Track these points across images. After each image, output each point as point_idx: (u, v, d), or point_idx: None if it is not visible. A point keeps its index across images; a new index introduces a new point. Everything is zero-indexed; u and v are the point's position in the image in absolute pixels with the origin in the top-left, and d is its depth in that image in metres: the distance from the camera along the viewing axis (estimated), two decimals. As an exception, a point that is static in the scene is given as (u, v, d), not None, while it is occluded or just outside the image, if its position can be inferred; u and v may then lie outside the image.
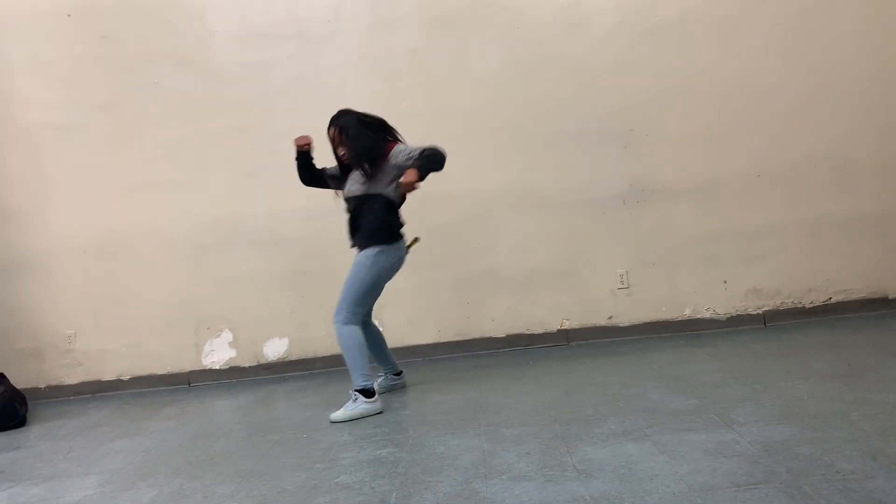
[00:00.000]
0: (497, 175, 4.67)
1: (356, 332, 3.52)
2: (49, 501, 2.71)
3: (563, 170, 4.65)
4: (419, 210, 4.67)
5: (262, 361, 4.81)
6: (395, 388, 3.95)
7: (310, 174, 3.71)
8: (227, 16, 4.71)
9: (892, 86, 4.53)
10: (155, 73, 4.71)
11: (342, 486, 2.56)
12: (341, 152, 3.52)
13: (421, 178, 3.32)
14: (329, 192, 3.84)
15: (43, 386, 4.75)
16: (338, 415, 3.43)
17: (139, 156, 4.76)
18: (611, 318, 4.71)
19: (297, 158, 3.67)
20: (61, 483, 2.93)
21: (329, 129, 3.54)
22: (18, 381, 4.51)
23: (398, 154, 3.46)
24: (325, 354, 4.78)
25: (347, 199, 3.57)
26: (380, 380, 3.90)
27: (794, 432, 2.57)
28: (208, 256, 4.77)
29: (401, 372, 3.99)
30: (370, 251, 3.50)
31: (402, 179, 3.34)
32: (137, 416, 4.04)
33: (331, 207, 4.62)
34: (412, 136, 4.68)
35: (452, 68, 4.67)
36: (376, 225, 3.50)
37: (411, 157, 3.41)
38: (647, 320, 4.67)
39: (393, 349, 4.72)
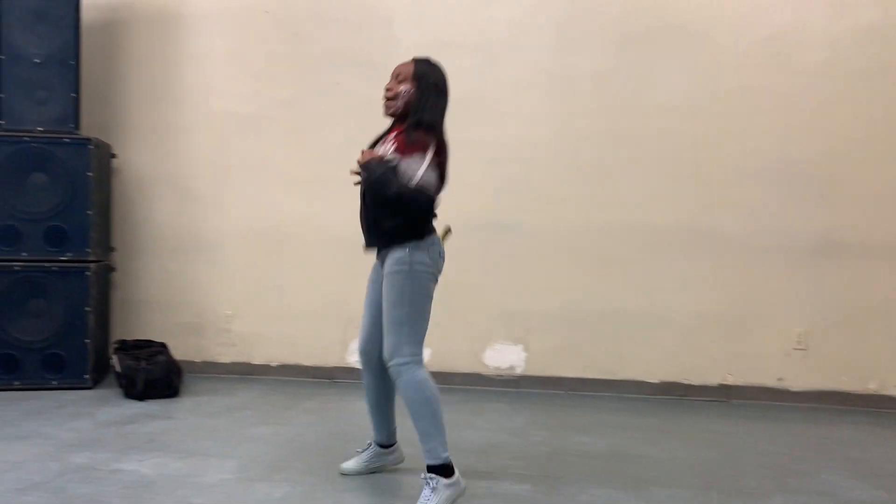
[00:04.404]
0: (671, 208, 4.37)
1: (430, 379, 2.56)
2: (190, 478, 2.77)
3: (747, 211, 4.28)
4: (584, 236, 4.48)
5: (403, 369, 4.77)
6: (384, 467, 2.90)
7: None
8: (413, 24, 4.74)
9: None
10: (338, 74, 4.83)
11: (474, 518, 2.42)
12: (391, 88, 2.70)
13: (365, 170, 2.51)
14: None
15: (199, 360, 4.97)
16: None
17: (314, 152, 4.88)
18: (780, 379, 4.26)
19: None
20: (203, 461, 2.99)
21: (403, 63, 2.73)
22: (178, 352, 4.74)
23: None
24: (465, 371, 4.67)
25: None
26: (361, 454, 2.91)
27: None
28: (364, 256, 4.80)
29: (394, 444, 2.91)
30: (400, 254, 2.58)
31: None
32: (280, 404, 4.12)
33: (484, 221, 4.56)
34: (583, 159, 4.53)
35: (636, 92, 4.43)
36: (405, 220, 2.61)
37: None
38: (824, 388, 4.19)
39: (534, 378, 4.57)
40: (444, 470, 2.47)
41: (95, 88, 4.92)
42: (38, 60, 4.34)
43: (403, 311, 2.52)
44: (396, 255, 2.56)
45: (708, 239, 4.34)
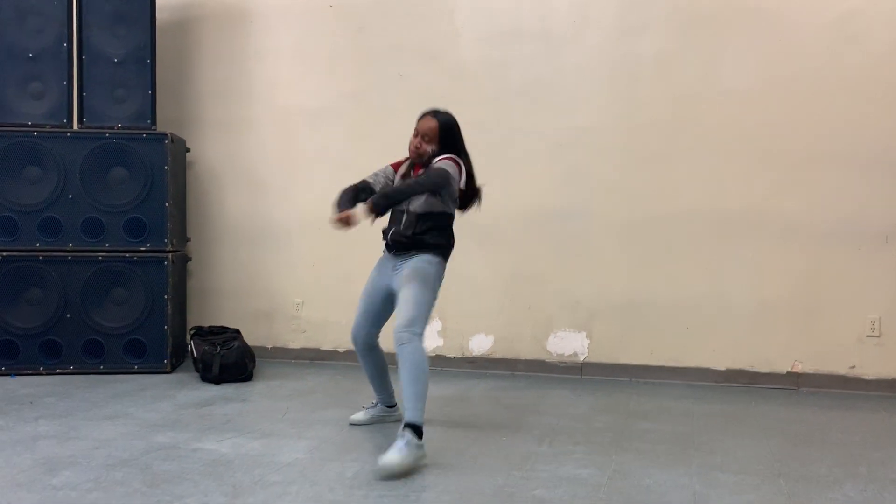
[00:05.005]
0: (740, 195, 4.31)
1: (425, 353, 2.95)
2: (265, 458, 2.90)
3: (818, 196, 4.19)
4: (649, 223, 4.46)
5: (467, 355, 4.85)
6: (387, 420, 3.44)
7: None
8: (475, 14, 4.77)
9: None
10: (401, 67, 4.90)
11: (539, 500, 2.47)
12: (419, 146, 3.11)
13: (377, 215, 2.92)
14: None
15: (270, 346, 5.15)
16: (393, 460, 2.69)
17: (378, 144, 4.94)
18: (853, 367, 4.17)
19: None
20: (277, 442, 3.12)
21: (425, 117, 3.15)
22: (250, 338, 4.91)
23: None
24: (528, 358, 4.71)
25: (405, 212, 3.11)
26: (369, 409, 3.45)
27: None
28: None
29: (395, 405, 3.46)
30: (427, 256, 3.06)
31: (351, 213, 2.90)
32: (348, 388, 4.24)
33: (548, 208, 4.58)
34: (648, 146, 4.49)
35: (701, 77, 4.37)
36: (443, 242, 3.14)
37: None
38: (899, 377, 4.08)
39: (598, 364, 4.58)
40: (418, 431, 2.81)
41: (169, 85, 5.13)
42: (116, 60, 4.56)
43: (427, 295, 3.01)
44: (427, 257, 3.07)
45: (776, 224, 4.26)
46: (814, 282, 4.22)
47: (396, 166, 3.33)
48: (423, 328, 2.93)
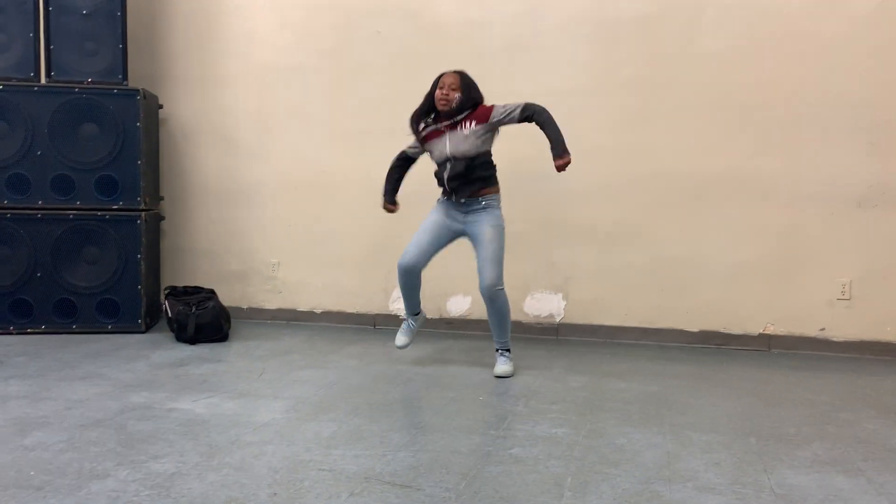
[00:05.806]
0: (716, 158, 4.32)
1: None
2: (242, 417, 2.90)
3: (794, 160, 4.21)
4: (627, 185, 4.47)
5: (444, 316, 4.86)
6: (417, 329, 3.92)
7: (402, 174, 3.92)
8: (455, -31, 4.68)
9: None
10: (379, 24, 4.81)
11: (515, 458, 2.49)
12: (447, 94, 3.54)
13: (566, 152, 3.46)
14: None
15: (245, 307, 5.12)
16: (506, 370, 3.66)
17: (355, 103, 4.90)
18: (823, 329, 4.24)
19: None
20: (253, 402, 3.12)
21: (445, 74, 3.60)
22: (226, 299, 4.88)
23: (498, 114, 3.54)
24: (505, 319, 4.72)
25: (453, 159, 3.57)
26: (405, 330, 3.87)
27: None
28: (408, 207, 4.85)
29: (420, 311, 3.91)
30: (498, 213, 3.63)
31: (557, 164, 3.45)
32: (324, 349, 4.24)
33: (526, 170, 4.56)
34: (628, 108, 4.47)
35: (681, 39, 4.34)
36: (492, 172, 3.65)
37: (509, 113, 3.52)
38: (867, 339, 4.16)
39: (574, 325, 4.62)
40: (509, 350, 3.74)
41: (141, 39, 5.00)
42: (85, 12, 4.42)
43: (503, 252, 3.61)
44: (495, 212, 3.61)
45: (751, 187, 4.29)
46: (787, 244, 4.27)
47: (428, 136, 3.67)
48: (503, 280, 3.60)
